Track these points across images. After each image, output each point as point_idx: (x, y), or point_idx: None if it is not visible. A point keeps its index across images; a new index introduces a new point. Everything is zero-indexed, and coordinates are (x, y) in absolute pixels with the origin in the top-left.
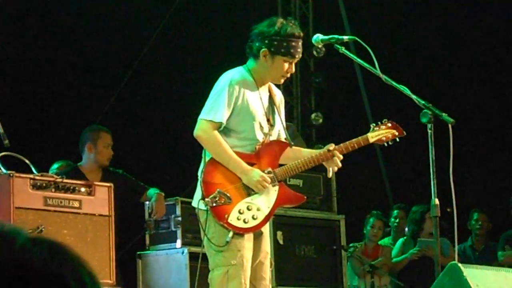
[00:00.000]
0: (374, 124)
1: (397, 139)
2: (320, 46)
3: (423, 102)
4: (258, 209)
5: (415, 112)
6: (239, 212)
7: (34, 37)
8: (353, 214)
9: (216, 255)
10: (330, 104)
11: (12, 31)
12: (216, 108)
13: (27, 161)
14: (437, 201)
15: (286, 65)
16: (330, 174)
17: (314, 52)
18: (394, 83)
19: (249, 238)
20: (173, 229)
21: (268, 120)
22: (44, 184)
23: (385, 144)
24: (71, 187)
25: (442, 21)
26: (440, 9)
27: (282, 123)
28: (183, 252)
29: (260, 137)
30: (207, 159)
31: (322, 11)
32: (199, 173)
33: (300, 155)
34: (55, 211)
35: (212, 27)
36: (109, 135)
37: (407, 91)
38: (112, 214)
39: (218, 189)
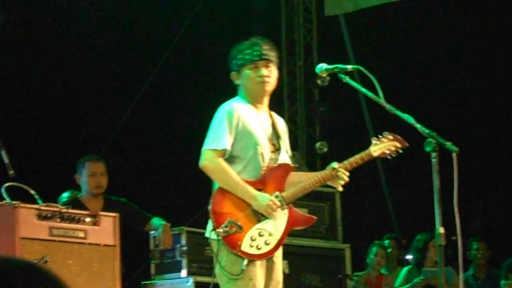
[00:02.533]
0: (374, 138)
1: (400, 151)
2: (324, 75)
3: (427, 131)
4: (270, 234)
5: (420, 141)
6: (251, 239)
7: (38, 66)
8: (359, 243)
9: (228, 283)
10: (335, 132)
11: (18, 58)
12: (218, 136)
13: (32, 192)
14: (442, 230)
15: (251, 71)
16: (340, 188)
17: (319, 81)
18: (398, 112)
19: (261, 266)
20: (178, 258)
21: (273, 145)
22: (49, 215)
23: (389, 157)
24: (76, 217)
25: (447, 48)
26: (445, 37)
27: (286, 150)
28: (188, 282)
29: (265, 161)
30: (214, 189)
31: (326, 40)
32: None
33: (305, 178)
34: (60, 241)
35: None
36: (97, 163)
37: (411, 120)
38: (117, 244)
39: (228, 219)
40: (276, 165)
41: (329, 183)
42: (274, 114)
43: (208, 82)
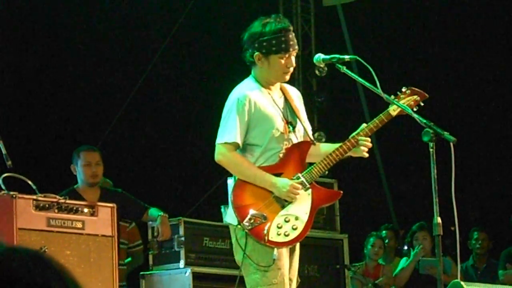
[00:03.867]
0: (393, 97)
1: (421, 103)
2: (322, 65)
3: (424, 121)
4: (296, 218)
5: (417, 131)
6: (278, 227)
7: (35, 56)
8: (356, 233)
9: (256, 273)
10: (333, 122)
11: (16, 52)
12: (229, 129)
13: (29, 182)
14: (439, 220)
15: (283, 61)
16: (366, 155)
17: (316, 72)
18: (395, 102)
19: (286, 254)
20: (176, 249)
21: (288, 123)
22: (47, 205)
23: (411, 113)
24: (74, 208)
25: (444, 38)
26: (443, 26)
27: (303, 124)
28: (186, 272)
29: (282, 144)
30: (232, 183)
31: (324, 30)
32: (229, 196)
33: (324, 150)
34: (58, 231)
35: (215, 51)
36: (91, 153)
37: (408, 110)
38: (115, 235)
39: (251, 210)
40: (292, 144)
41: (353, 154)
42: (286, 87)
43: (206, 72)
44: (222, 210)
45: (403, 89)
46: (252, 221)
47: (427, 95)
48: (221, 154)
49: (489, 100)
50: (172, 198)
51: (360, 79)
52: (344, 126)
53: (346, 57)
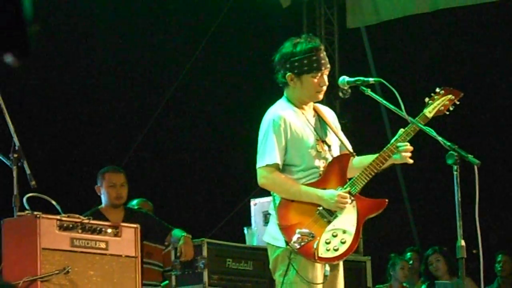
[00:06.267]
0: (427, 98)
1: (457, 102)
2: (346, 87)
3: (449, 144)
4: (344, 232)
5: (442, 153)
6: (326, 243)
7: (60, 77)
8: (379, 255)
9: None
10: (356, 144)
11: (42, 73)
12: (268, 151)
13: (53, 202)
14: (463, 243)
15: (316, 80)
16: (410, 161)
17: (340, 94)
18: (420, 125)
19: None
20: (199, 270)
21: (324, 142)
22: (70, 225)
23: (447, 113)
24: (98, 228)
25: (470, 59)
26: (468, 47)
27: (340, 138)
28: None
29: (320, 163)
30: (276, 203)
31: (348, 52)
32: (271, 211)
33: (363, 163)
34: (81, 252)
35: (240, 75)
36: (116, 174)
37: (433, 132)
38: (138, 255)
39: (297, 230)
40: (333, 159)
41: (395, 162)
42: (319, 107)
43: (229, 93)
44: (245, 231)
45: (437, 90)
46: (300, 240)
47: (462, 93)
48: (264, 178)
49: None
50: (195, 219)
51: (384, 102)
52: (367, 149)
53: (371, 79)
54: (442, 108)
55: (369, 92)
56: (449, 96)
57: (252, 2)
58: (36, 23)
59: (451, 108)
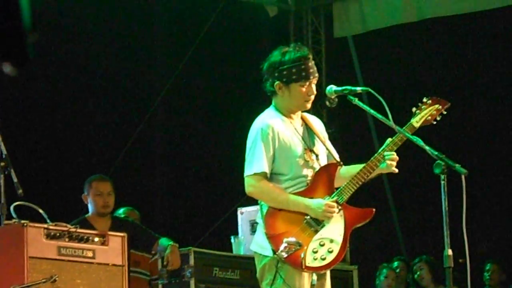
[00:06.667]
0: (414, 108)
1: (444, 112)
2: (333, 97)
3: (436, 153)
4: (331, 241)
5: (429, 163)
6: (314, 252)
7: (47, 85)
8: (366, 264)
9: None
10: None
11: (26, 81)
12: (256, 160)
13: (41, 211)
14: (450, 252)
15: (304, 88)
16: (395, 170)
17: (327, 103)
18: (407, 134)
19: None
20: (186, 279)
21: (311, 151)
22: (57, 234)
23: (434, 122)
24: (85, 237)
25: (456, 69)
26: (454, 57)
27: (328, 147)
28: None
29: (308, 172)
30: (264, 212)
31: (335, 61)
32: (259, 220)
33: (350, 172)
34: (68, 260)
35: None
36: (103, 183)
37: (420, 142)
38: (125, 264)
39: (285, 239)
40: (320, 168)
41: (382, 171)
42: (306, 116)
43: (216, 102)
44: (232, 240)
45: (424, 99)
46: (287, 249)
47: (449, 103)
48: (251, 186)
49: (502, 130)
50: (182, 228)
51: (372, 111)
52: (354, 158)
53: (358, 88)
54: (429, 118)
55: (356, 101)
56: (436, 106)
57: (240, 11)
58: (35, 32)
59: (438, 118)
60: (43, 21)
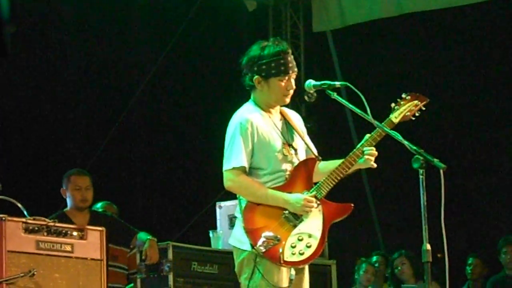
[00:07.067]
0: (393, 104)
1: (423, 108)
2: (311, 91)
3: (414, 147)
4: (309, 236)
5: (407, 158)
6: (292, 247)
7: (25, 81)
8: (344, 259)
9: None
10: (321, 148)
11: (4, 74)
12: (234, 154)
13: (19, 205)
14: (428, 247)
15: (283, 83)
16: (374, 165)
17: (306, 98)
18: (386, 129)
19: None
20: (165, 273)
21: (290, 145)
22: (36, 228)
23: (413, 118)
24: (63, 231)
25: (435, 63)
26: (433, 52)
27: (306, 142)
28: None
29: (287, 166)
30: (242, 206)
31: (314, 56)
32: (237, 214)
33: (329, 167)
34: (47, 254)
35: (206, 79)
36: (82, 177)
37: (398, 136)
38: (104, 258)
39: (263, 233)
40: (299, 163)
41: (360, 166)
42: (285, 111)
43: (194, 96)
44: (211, 235)
45: (403, 95)
46: (265, 243)
47: (427, 99)
48: (230, 180)
49: (479, 126)
50: (161, 222)
51: (350, 106)
52: (332, 152)
53: (337, 83)
54: (408, 113)
55: (335, 96)
56: (415, 101)
57: (219, 5)
58: (13, 24)
59: (417, 114)
60: (22, 11)
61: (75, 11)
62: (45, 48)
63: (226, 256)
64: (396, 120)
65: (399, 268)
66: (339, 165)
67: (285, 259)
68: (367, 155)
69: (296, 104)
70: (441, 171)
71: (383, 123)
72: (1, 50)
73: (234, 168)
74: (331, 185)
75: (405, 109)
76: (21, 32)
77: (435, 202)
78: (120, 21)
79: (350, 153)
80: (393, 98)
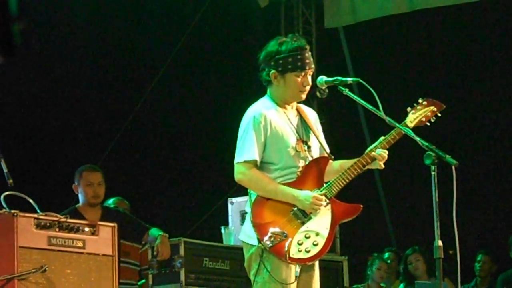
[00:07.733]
0: (409, 108)
1: (439, 114)
2: (323, 87)
3: (426, 144)
4: (317, 234)
5: (419, 154)
6: (298, 244)
7: (36, 75)
8: (356, 255)
9: None
10: (333, 144)
11: (17, 71)
12: (246, 148)
13: (31, 201)
14: (440, 243)
15: (299, 79)
16: (382, 166)
17: (318, 94)
18: (398, 125)
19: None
20: (176, 269)
21: (304, 142)
22: (48, 224)
23: (428, 124)
24: (75, 227)
25: (447, 61)
26: (445, 49)
27: (320, 141)
28: None
29: (299, 162)
30: (252, 200)
31: (326, 52)
32: (247, 209)
33: (341, 167)
34: (59, 250)
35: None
36: (94, 173)
37: (410, 133)
38: (115, 254)
39: (271, 228)
40: (310, 161)
41: (370, 167)
42: (302, 108)
43: (207, 92)
44: (222, 231)
45: (420, 100)
46: (272, 239)
47: (444, 105)
48: (241, 173)
49: (490, 122)
50: (173, 218)
51: (363, 102)
52: (344, 148)
53: (349, 79)
54: (424, 119)
55: (347, 92)
56: (431, 107)
57: (230, 2)
58: (22, 20)
59: (432, 120)
60: (30, 8)
61: (86, 7)
62: (55, 44)
63: (237, 252)
64: (411, 125)
65: (413, 264)
66: (351, 166)
67: (291, 255)
68: (378, 157)
69: (308, 100)
70: (453, 168)
71: (398, 127)
72: (9, 49)
73: (245, 161)
74: (342, 185)
75: (420, 114)
76: (30, 28)
77: (447, 199)
78: (132, 18)
79: (363, 155)
80: (404, 94)
